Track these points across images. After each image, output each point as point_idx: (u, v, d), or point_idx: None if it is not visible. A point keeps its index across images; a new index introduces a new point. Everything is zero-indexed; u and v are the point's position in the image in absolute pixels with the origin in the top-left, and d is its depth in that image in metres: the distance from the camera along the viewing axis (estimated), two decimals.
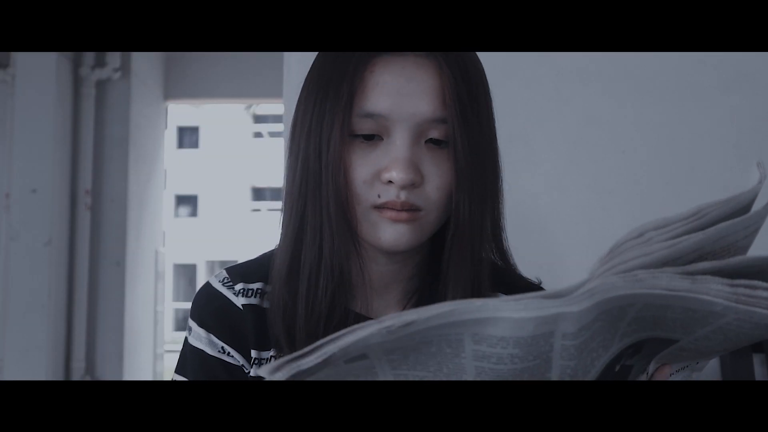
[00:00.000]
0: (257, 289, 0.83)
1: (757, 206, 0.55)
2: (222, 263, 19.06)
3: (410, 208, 0.76)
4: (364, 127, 0.75)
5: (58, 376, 4.15)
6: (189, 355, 0.84)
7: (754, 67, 1.99)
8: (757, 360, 1.88)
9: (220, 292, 0.83)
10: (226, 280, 0.84)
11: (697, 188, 1.99)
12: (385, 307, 0.84)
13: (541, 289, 0.90)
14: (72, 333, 4.28)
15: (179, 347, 0.86)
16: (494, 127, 0.83)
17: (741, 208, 0.53)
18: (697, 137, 1.99)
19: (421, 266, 0.84)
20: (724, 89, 2.00)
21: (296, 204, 0.79)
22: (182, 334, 0.88)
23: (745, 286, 0.48)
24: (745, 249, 0.56)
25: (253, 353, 0.82)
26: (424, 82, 0.75)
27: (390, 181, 0.75)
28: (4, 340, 4.09)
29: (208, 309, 0.83)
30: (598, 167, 2.01)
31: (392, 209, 0.75)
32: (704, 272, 0.48)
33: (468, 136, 0.76)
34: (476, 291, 0.80)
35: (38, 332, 4.06)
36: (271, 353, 0.82)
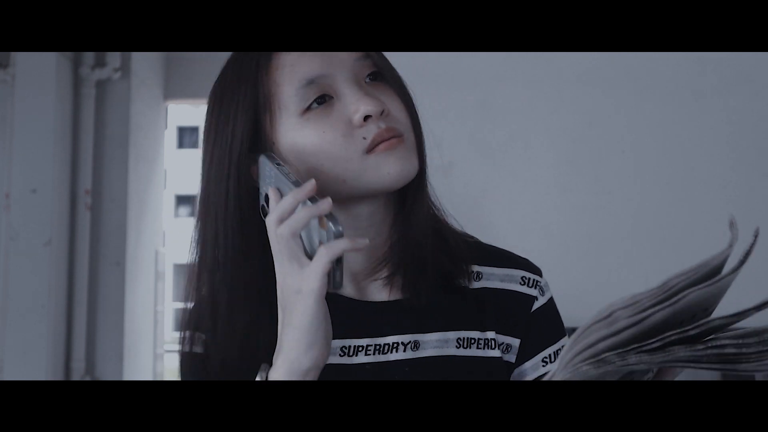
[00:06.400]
0: None
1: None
2: None
3: (395, 134, 0.79)
4: (308, 96, 0.79)
5: (58, 376, 4.15)
6: (182, 364, 0.85)
7: (754, 67, 1.98)
8: None
9: None
10: None
11: (697, 188, 1.99)
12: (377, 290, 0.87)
13: (472, 238, 0.94)
14: (72, 333, 4.27)
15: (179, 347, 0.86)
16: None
17: (710, 271, 0.53)
18: (697, 137, 1.99)
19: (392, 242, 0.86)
20: (723, 89, 2.00)
21: None
22: None
23: (713, 347, 0.51)
24: (710, 311, 0.57)
25: None
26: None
27: (367, 116, 0.78)
28: (4, 340, 4.09)
29: (199, 314, 0.86)
30: (598, 167, 2.01)
31: (382, 140, 0.78)
32: (672, 344, 0.51)
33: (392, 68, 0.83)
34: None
35: (38, 332, 4.06)
36: None
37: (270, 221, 0.74)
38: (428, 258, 0.84)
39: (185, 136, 19.02)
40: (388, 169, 0.78)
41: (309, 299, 0.71)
